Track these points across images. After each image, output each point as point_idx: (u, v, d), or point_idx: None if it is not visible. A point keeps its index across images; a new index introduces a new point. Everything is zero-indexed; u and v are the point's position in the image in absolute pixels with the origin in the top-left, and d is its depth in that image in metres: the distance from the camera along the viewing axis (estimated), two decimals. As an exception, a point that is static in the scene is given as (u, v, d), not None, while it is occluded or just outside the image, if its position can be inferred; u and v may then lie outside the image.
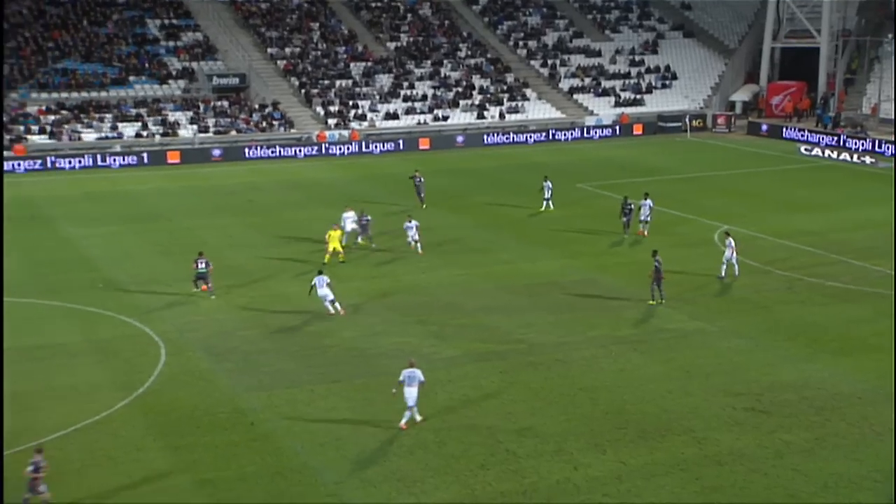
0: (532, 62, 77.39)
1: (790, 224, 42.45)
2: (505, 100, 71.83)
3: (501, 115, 70.47)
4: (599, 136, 69.42)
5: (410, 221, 38.37)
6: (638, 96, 74.70)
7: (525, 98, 72.67)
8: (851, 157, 58.18)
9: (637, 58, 78.96)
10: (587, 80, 75.77)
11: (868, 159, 57.13)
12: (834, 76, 73.43)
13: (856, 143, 60.47)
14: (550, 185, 45.59)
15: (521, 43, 79.06)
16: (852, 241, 39.54)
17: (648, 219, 40.63)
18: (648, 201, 40.75)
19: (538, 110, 71.86)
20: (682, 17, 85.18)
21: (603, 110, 72.82)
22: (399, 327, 29.96)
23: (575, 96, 74.16)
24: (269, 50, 72.62)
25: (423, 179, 46.73)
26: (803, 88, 74.55)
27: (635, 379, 25.94)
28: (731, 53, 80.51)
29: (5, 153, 57.04)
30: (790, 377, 25.81)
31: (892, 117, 66.70)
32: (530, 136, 67.63)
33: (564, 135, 68.69)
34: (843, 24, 76.25)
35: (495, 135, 66.93)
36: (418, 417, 23.24)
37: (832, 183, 52.00)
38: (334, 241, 36.61)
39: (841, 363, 26.76)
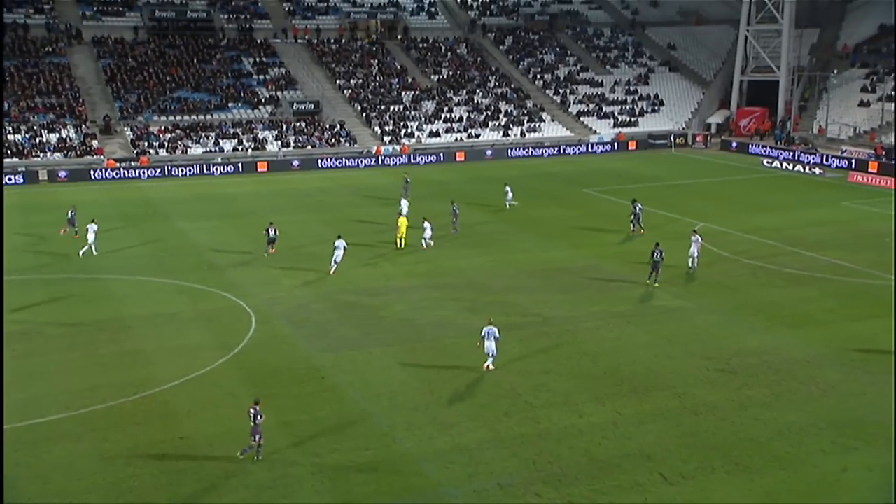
0: (547, 91, 76.79)
1: (754, 222, 41.81)
2: (525, 121, 71.39)
3: (522, 134, 70.09)
4: (601, 151, 68.74)
5: (426, 223, 36.95)
6: (632, 119, 73.86)
7: (541, 120, 72.16)
8: (804, 169, 57.11)
9: (632, 88, 78.04)
10: (591, 106, 75.06)
11: (817, 170, 56.04)
12: (790, 103, 72.19)
13: (807, 158, 59.33)
14: (511, 193, 43.81)
15: (538, 76, 78.46)
16: (804, 236, 38.88)
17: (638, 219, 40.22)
18: (638, 205, 40.42)
19: (552, 130, 71.32)
20: (668, 55, 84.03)
21: (604, 130, 72.13)
22: (439, 303, 29.92)
23: (581, 119, 73.51)
24: (337, 82, 72.73)
25: (409, 181, 46.53)
26: (765, 113, 73.31)
27: (628, 346, 25.74)
28: (707, 85, 79.33)
29: (134, 163, 57.70)
30: (753, 345, 25.48)
31: (837, 136, 65.39)
32: (545, 151, 67.13)
33: (573, 149, 68.12)
34: (798, 61, 74.95)
35: (517, 149, 66.56)
36: (492, 366, 23.52)
37: (788, 189, 51.12)
38: (402, 228, 36.69)
39: (794, 334, 26.36)
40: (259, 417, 19.03)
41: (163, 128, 63.32)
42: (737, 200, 47.95)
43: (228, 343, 25.88)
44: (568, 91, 76.73)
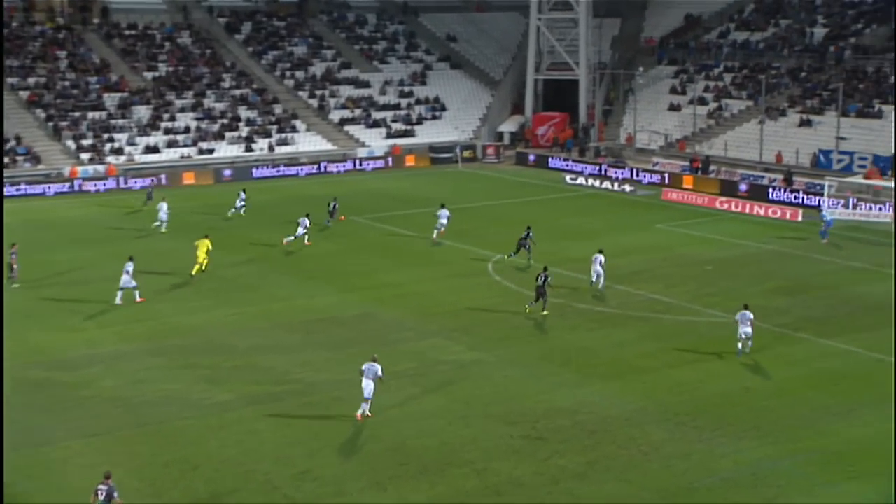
0: (300, 93, 77.28)
1: (559, 252, 44.41)
2: (273, 131, 71.27)
3: (270, 148, 69.83)
4: (372, 168, 70.14)
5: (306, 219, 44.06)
6: (409, 127, 76.16)
7: (294, 129, 72.39)
8: (612, 186, 61.73)
9: (406, 89, 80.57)
10: (357, 111, 76.50)
11: (627, 187, 60.80)
12: (593, 107, 77.90)
13: (616, 172, 64.25)
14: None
15: (287, 73, 78.80)
16: (616, 266, 41.78)
17: (443, 228, 45.47)
18: (445, 211, 45.70)
19: (308, 142, 71.75)
20: (449, 48, 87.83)
21: (374, 141, 73.67)
22: (165, 373, 28.88)
23: (345, 127, 74.64)
24: (8, 80, 68.52)
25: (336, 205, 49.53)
26: (566, 119, 78.56)
27: (415, 413, 26.23)
28: (496, 85, 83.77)
29: None
30: (564, 403, 26.92)
31: (647, 146, 71.59)
32: (301, 169, 67.38)
33: (336, 167, 68.93)
34: (599, 57, 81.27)
35: (265, 167, 66.22)
36: (368, 413, 25.19)
37: (596, 211, 54.95)
38: (202, 253, 39.12)
39: (610, 386, 28.20)
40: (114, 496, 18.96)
41: None
42: (537, 226, 50.51)
43: None
44: (327, 93, 77.75)
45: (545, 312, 34.50)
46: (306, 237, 45.18)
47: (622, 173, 64.17)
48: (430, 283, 39.27)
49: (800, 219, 50.80)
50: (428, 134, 76.05)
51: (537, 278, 34.90)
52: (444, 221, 46.07)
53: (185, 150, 66.99)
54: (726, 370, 29.40)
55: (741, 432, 24.83)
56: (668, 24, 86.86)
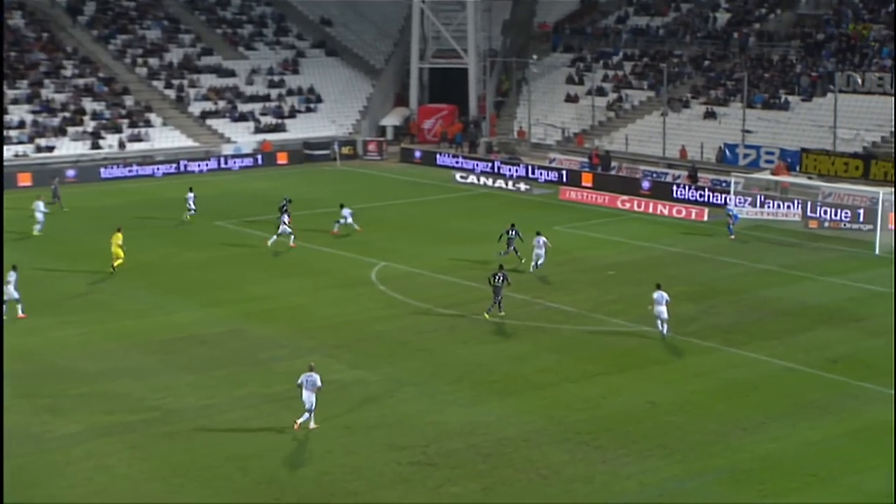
0: (155, 82, 75.90)
1: (450, 257, 44.70)
2: (124, 126, 69.83)
3: (121, 145, 68.38)
4: (239, 167, 69.36)
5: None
6: (280, 121, 75.60)
7: (149, 124, 71.04)
8: (506, 185, 62.45)
9: (276, 78, 79.96)
10: (221, 104, 75.55)
11: (523, 186, 61.59)
12: (484, 98, 78.72)
13: (510, 170, 65.03)
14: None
15: (139, 60, 77.30)
16: (511, 274, 42.35)
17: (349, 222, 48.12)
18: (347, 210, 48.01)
19: (165, 138, 70.52)
20: (323, 33, 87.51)
21: (241, 137, 72.87)
22: None
23: (208, 121, 73.63)
24: None
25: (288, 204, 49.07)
26: (455, 112, 79.15)
27: (290, 441, 26.02)
28: (378, 74, 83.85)
29: None
30: (457, 424, 27.09)
31: (543, 141, 72.72)
32: (157, 168, 66.24)
33: (198, 165, 67.94)
34: (489, 43, 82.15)
35: (115, 167, 64.82)
36: (312, 424, 26.19)
37: (489, 212, 55.46)
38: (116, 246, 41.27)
39: (506, 404, 28.51)
40: None
41: None
42: (425, 229, 50.98)
43: None
44: (186, 83, 76.59)
45: (502, 313, 35.91)
46: (292, 238, 46.34)
47: (516, 171, 64.96)
48: (307, 295, 39.04)
49: (706, 218, 52.32)
50: (302, 128, 75.62)
51: (493, 278, 35.97)
52: (350, 220, 48.52)
53: (20, 149, 65.07)
54: (630, 384, 30.05)
55: (646, 451, 25.40)
56: (563, 7, 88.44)
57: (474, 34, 78.53)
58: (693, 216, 53.13)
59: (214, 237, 48.61)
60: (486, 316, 35.89)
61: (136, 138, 69.34)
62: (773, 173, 56.44)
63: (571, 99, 75.70)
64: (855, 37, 68.23)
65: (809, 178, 56.23)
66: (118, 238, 41.97)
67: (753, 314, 36.77)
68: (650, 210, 54.82)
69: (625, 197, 56.48)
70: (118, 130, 69.27)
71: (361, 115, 79.51)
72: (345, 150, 72.93)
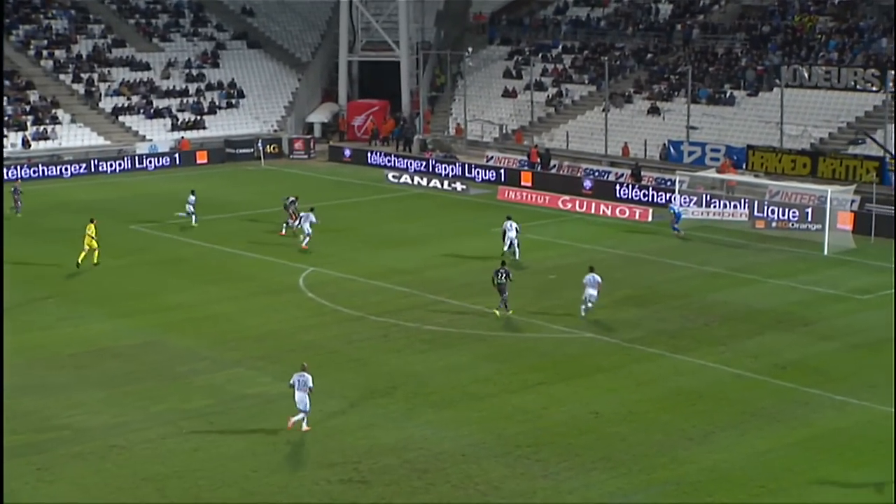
0: (62, 76, 74.87)
1: (382, 262, 44.66)
2: (29, 124, 68.79)
3: (26, 144, 67.37)
4: (156, 167, 68.67)
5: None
6: (199, 118, 74.97)
7: (56, 121, 70.06)
8: (442, 184, 62.56)
9: (195, 72, 79.29)
10: (134, 99, 74.73)
11: (459, 186, 61.74)
12: (417, 94, 78.76)
13: (446, 169, 65.16)
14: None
15: (45, 53, 76.14)
16: (448, 277, 42.46)
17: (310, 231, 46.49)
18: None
19: (74, 136, 69.62)
20: (245, 24, 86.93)
21: (158, 135, 72.17)
22: None
23: (121, 118, 72.81)
24: None
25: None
26: (386, 108, 79.12)
27: (213, 459, 25.80)
28: (304, 68, 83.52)
29: None
30: (390, 439, 27.05)
31: (480, 138, 72.95)
32: (66, 169, 65.36)
33: (111, 165, 67.17)
34: (422, 35, 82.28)
35: (18, 168, 63.73)
36: (305, 427, 26.99)
37: (424, 213, 55.54)
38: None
39: (443, 417, 28.53)
40: None
41: None
42: (356, 233, 50.84)
43: None
44: (96, 76, 75.70)
45: (510, 312, 36.94)
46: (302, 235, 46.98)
47: (452, 170, 65.11)
48: (230, 304, 38.78)
49: (650, 219, 52.87)
50: (223, 126, 75.13)
51: (496, 275, 36.79)
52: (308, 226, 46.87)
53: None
54: (573, 394, 30.24)
55: (590, 464, 25.57)
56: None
57: (406, 25, 78.58)
58: (637, 217, 53.65)
59: (129, 243, 48.02)
60: (497, 313, 36.84)
61: (42, 136, 68.34)
62: (719, 171, 57.19)
63: (509, 94, 76.06)
64: (801, 29, 69.50)
65: (756, 176, 57.10)
66: (91, 229, 42.82)
67: (700, 319, 37.23)
68: (592, 210, 55.24)
69: (566, 197, 56.87)
70: (22, 128, 68.21)
71: (287, 111, 79.14)
72: (269, 149, 72.53)
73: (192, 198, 51.32)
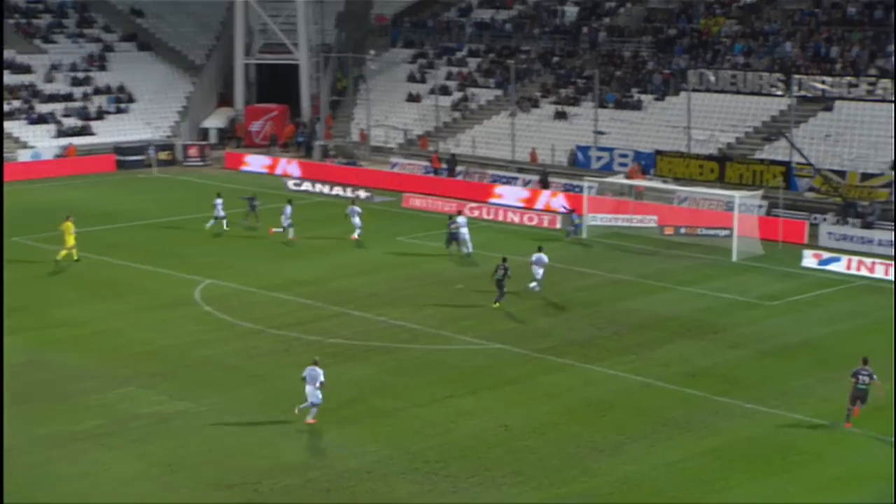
0: (-62, 80, 73.16)
1: (285, 273, 44.42)
2: None
3: None
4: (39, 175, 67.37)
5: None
6: (86, 123, 73.83)
7: (-66, 127, 68.39)
8: (345, 192, 62.35)
9: (81, 75, 78.06)
10: (15, 104, 73.24)
11: (362, 193, 61.61)
12: (318, 98, 78.55)
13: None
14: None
15: (-81, 56, 74.35)
16: (352, 288, 42.37)
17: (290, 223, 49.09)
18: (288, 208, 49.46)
19: (-47, 143, 67.98)
20: (134, 25, 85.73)
21: (41, 142, 70.84)
22: None
23: (3, 124, 71.28)
24: None
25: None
26: (286, 112, 78.77)
27: (103, 483, 25.42)
28: (198, 71, 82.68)
29: None
30: (292, 457, 26.94)
31: (384, 144, 73.00)
32: (-56, 178, 63.78)
33: (-9, 174, 65.76)
34: (322, 37, 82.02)
35: None
36: (310, 419, 28.49)
37: (326, 222, 55.27)
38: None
39: (347, 434, 28.50)
40: None
41: None
42: (255, 243, 50.38)
43: None
44: (-26, 80, 74.01)
45: (496, 305, 39.45)
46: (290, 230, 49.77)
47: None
48: (121, 319, 38.23)
49: (559, 226, 53.42)
50: (112, 132, 74.08)
51: (496, 271, 39.55)
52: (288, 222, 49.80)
53: None
54: (481, 407, 30.42)
55: (500, 478, 25.76)
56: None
57: (305, 27, 78.33)
58: (545, 224, 54.17)
59: (11, 255, 46.94)
60: (495, 306, 39.34)
61: (-82, 144, 66.63)
62: (627, 177, 58.06)
63: (413, 98, 76.31)
64: (706, 33, 70.95)
65: (664, 181, 58.07)
66: (70, 227, 44.86)
67: (610, 328, 37.74)
68: (500, 218, 55.66)
69: (473, 204, 57.18)
70: None
71: (180, 116, 78.31)
72: (162, 156, 71.64)
73: (220, 200, 52.00)
